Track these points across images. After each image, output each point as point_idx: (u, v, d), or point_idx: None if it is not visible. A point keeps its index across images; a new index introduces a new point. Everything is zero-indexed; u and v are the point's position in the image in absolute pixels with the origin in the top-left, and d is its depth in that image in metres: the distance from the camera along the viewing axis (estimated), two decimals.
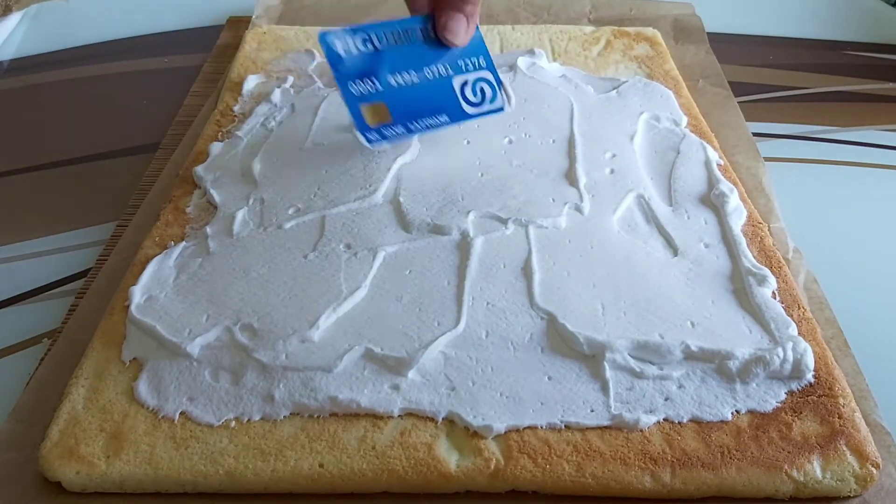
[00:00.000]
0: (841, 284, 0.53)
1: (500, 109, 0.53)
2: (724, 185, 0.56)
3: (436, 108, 0.52)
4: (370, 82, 0.51)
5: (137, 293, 0.48)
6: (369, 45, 0.51)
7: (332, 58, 0.51)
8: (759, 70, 0.78)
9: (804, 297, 0.51)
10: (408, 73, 0.51)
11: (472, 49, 0.52)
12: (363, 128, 0.51)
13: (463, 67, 0.52)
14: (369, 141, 0.51)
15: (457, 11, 0.51)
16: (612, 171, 0.57)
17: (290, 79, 0.69)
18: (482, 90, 0.52)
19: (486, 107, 0.52)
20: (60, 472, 0.40)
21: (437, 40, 0.51)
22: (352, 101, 0.51)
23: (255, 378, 0.44)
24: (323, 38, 0.51)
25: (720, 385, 0.44)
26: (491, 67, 0.52)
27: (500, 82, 0.52)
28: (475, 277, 0.49)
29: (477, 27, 0.53)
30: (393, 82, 0.51)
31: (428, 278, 0.49)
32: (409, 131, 0.51)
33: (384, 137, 0.51)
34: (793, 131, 0.69)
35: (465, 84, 0.52)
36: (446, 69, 0.52)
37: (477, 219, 0.53)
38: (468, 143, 0.60)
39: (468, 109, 0.52)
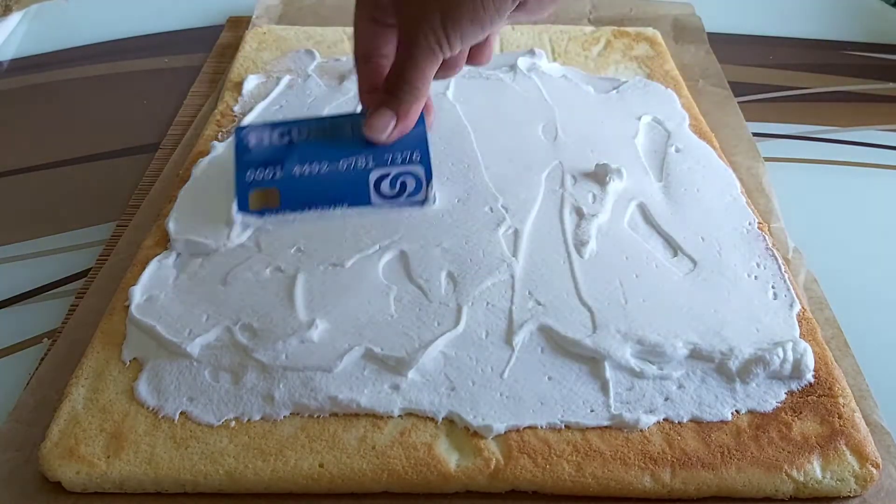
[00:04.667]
0: (841, 284, 0.53)
1: (420, 203, 0.52)
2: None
3: (337, 197, 0.51)
4: (270, 171, 0.51)
5: (137, 293, 0.48)
6: (285, 138, 0.52)
7: (239, 149, 0.52)
8: (759, 70, 0.78)
9: (804, 297, 0.51)
10: (318, 163, 0.51)
11: (408, 143, 0.51)
12: (241, 206, 0.51)
13: (388, 161, 0.51)
14: (239, 211, 0.51)
15: (385, 107, 0.48)
16: (613, 171, 0.57)
17: (287, 77, 0.69)
18: (403, 183, 0.51)
19: (401, 200, 0.51)
20: (60, 472, 0.40)
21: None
22: (242, 187, 0.51)
23: (255, 378, 0.44)
24: (237, 132, 0.52)
25: (720, 385, 0.44)
26: (425, 163, 0.51)
27: (429, 178, 0.51)
28: (475, 277, 0.49)
29: (421, 123, 0.51)
30: (296, 172, 0.51)
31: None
32: (292, 212, 0.51)
33: (259, 216, 0.52)
34: (793, 131, 0.69)
35: (383, 177, 0.51)
36: (367, 161, 0.51)
37: (477, 217, 0.53)
38: (469, 141, 0.60)
39: (375, 200, 0.51)
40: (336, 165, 0.51)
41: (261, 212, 0.51)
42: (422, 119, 0.50)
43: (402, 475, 0.41)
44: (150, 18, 0.86)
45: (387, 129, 0.49)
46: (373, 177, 0.51)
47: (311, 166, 0.51)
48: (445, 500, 0.41)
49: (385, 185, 0.51)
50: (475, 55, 0.51)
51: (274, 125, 0.52)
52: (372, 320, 0.47)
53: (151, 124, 0.70)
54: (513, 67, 0.69)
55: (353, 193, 0.51)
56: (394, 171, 0.51)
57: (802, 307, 0.49)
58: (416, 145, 0.51)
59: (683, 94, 0.68)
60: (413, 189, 0.51)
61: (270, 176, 0.51)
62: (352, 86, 0.67)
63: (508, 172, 0.58)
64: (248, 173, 0.51)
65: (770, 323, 0.47)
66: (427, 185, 0.51)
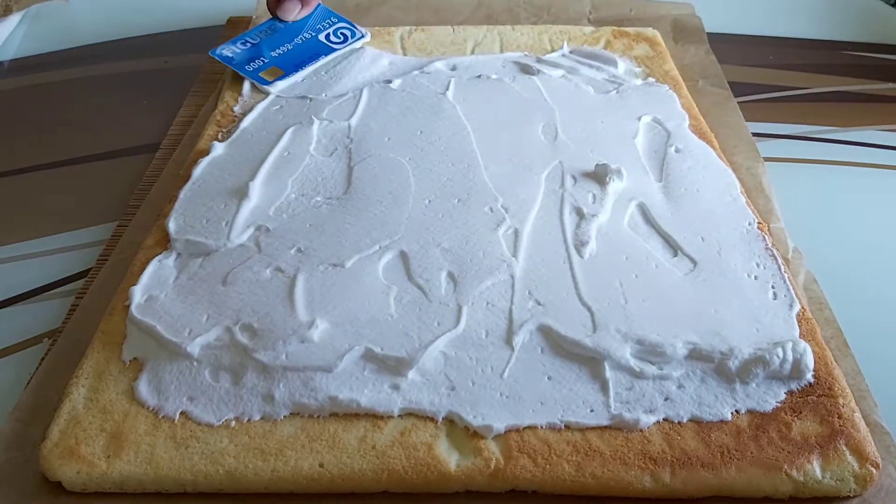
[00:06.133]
0: (841, 284, 0.53)
1: (362, 37, 0.74)
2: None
3: (313, 55, 0.71)
4: (258, 61, 0.71)
5: (137, 293, 0.48)
6: (247, 44, 0.73)
7: (226, 60, 0.71)
8: (759, 70, 0.78)
9: (804, 297, 0.51)
10: (283, 46, 0.72)
11: (321, 16, 0.75)
12: (263, 83, 0.69)
13: (321, 28, 0.74)
14: (263, 84, 0.69)
15: (288, 1, 0.73)
16: (613, 172, 0.57)
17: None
18: (343, 34, 0.73)
19: (349, 42, 0.73)
20: (61, 471, 0.40)
21: (289, 23, 0.74)
22: (251, 74, 0.70)
23: (255, 378, 0.44)
24: (213, 53, 0.72)
25: (720, 385, 0.44)
26: (342, 20, 0.75)
27: (352, 24, 0.74)
28: (475, 277, 0.49)
29: (319, 4, 0.75)
30: (275, 54, 0.72)
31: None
32: (298, 71, 0.70)
33: (282, 80, 0.69)
34: (793, 131, 0.69)
35: (328, 35, 0.73)
36: (310, 33, 0.73)
37: (476, 217, 0.53)
38: (469, 141, 0.60)
39: (336, 47, 0.72)
40: (294, 42, 0.73)
41: (279, 79, 0.69)
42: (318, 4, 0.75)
43: (402, 475, 0.41)
44: (149, 18, 0.86)
45: (294, 11, 0.73)
46: (322, 37, 0.73)
47: (279, 49, 0.72)
48: (445, 500, 0.41)
49: (333, 38, 0.73)
50: None
51: (233, 41, 0.73)
52: (372, 320, 0.47)
53: (151, 124, 0.70)
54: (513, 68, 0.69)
55: (322, 50, 0.72)
56: (330, 30, 0.74)
57: (802, 307, 0.49)
58: (328, 15, 0.75)
59: (683, 94, 0.68)
60: (352, 35, 0.73)
61: (262, 63, 0.71)
62: (351, 84, 0.67)
63: (508, 172, 0.58)
64: (247, 66, 0.70)
65: (770, 323, 0.47)
66: (357, 31, 0.74)
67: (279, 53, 0.71)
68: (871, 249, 0.58)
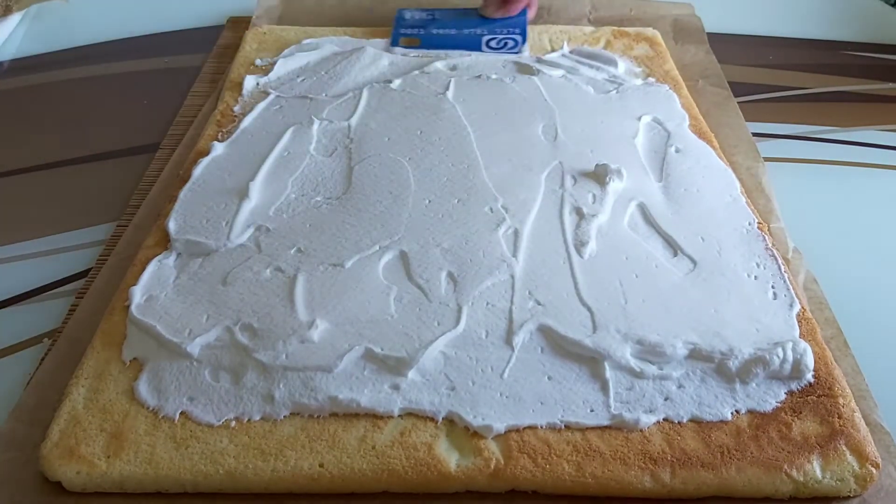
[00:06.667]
0: (841, 284, 0.53)
1: (514, 52, 0.74)
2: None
3: (458, 45, 0.74)
4: (416, 29, 0.77)
5: (137, 293, 0.48)
6: (428, 15, 0.79)
7: (398, 20, 0.78)
8: (759, 70, 0.78)
9: (804, 297, 0.51)
10: (448, 29, 0.76)
11: (513, 23, 0.77)
12: (394, 45, 0.75)
13: (498, 32, 0.76)
14: (395, 46, 0.75)
15: (489, 5, 0.77)
16: (613, 172, 0.57)
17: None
18: (506, 43, 0.75)
19: (500, 50, 0.74)
20: (61, 471, 0.40)
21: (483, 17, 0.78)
22: (394, 35, 0.76)
23: (255, 378, 0.44)
24: (399, 11, 0.79)
25: (720, 385, 0.44)
26: (523, 35, 0.75)
27: (524, 41, 0.75)
28: (475, 277, 0.49)
29: (524, 13, 0.78)
30: (435, 32, 0.76)
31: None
32: (430, 49, 0.75)
33: (409, 48, 0.75)
34: (793, 131, 0.69)
35: (491, 39, 0.75)
36: (482, 31, 0.76)
37: (476, 217, 0.53)
38: (469, 141, 0.60)
39: (484, 49, 0.74)
40: (461, 32, 0.76)
41: (410, 47, 0.75)
42: (524, 11, 0.78)
43: (402, 475, 0.41)
44: (150, 18, 0.86)
45: (493, 9, 0.77)
46: (484, 39, 0.75)
47: (443, 30, 0.76)
48: (445, 500, 0.41)
49: (493, 43, 0.75)
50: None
51: (423, 9, 0.79)
52: (372, 320, 0.47)
53: (151, 124, 0.70)
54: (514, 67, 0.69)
55: (470, 45, 0.74)
56: (499, 36, 0.75)
57: (802, 307, 0.49)
58: (518, 24, 0.77)
59: (683, 94, 0.68)
60: (512, 46, 0.74)
61: (414, 31, 0.77)
62: (351, 84, 0.67)
63: (508, 172, 0.58)
64: (402, 30, 0.77)
65: (770, 323, 0.47)
66: (522, 44, 0.75)
67: (438, 34, 0.75)
68: (871, 249, 0.58)
